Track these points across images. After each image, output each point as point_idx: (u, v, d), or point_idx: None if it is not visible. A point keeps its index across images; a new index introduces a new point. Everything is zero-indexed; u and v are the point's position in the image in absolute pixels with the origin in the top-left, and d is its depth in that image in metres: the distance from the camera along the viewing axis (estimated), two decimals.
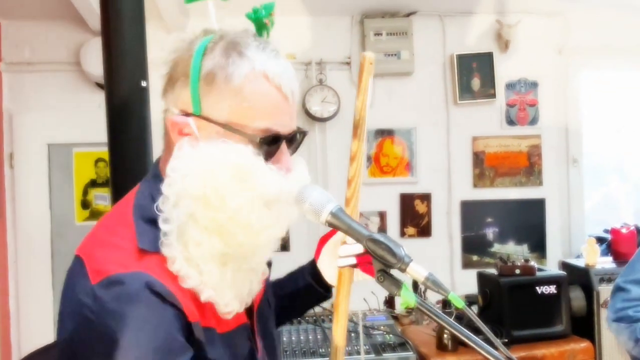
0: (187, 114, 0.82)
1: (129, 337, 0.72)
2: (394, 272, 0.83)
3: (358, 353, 1.97)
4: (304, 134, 0.91)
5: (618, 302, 1.04)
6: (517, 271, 2.14)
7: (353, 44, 2.92)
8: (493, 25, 2.94)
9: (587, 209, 3.11)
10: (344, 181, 0.93)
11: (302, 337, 2.19)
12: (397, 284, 0.82)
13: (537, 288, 2.13)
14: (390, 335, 2.18)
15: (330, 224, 0.83)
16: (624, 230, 2.24)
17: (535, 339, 2.11)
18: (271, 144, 0.82)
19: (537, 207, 2.98)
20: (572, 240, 3.01)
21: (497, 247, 2.97)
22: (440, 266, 2.93)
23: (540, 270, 2.25)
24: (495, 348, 0.78)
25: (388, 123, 2.93)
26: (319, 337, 2.19)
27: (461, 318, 2.06)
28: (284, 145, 0.85)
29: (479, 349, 0.78)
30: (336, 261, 0.92)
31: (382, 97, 2.91)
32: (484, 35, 2.98)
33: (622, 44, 2.97)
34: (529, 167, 2.99)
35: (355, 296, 1.09)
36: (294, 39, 2.85)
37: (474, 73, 2.95)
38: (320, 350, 2.08)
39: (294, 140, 0.89)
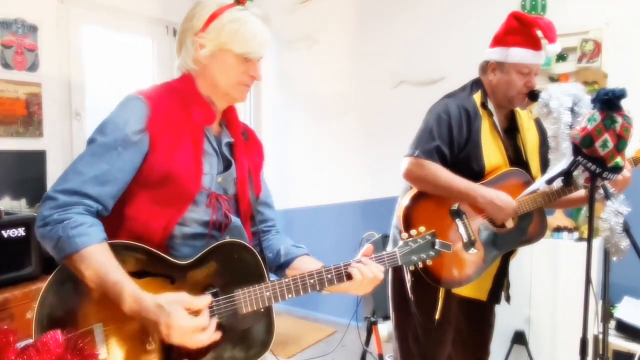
0: None
1: None
2: None
3: None
4: None
5: (45, 210, 1.07)
6: None
7: None
8: None
9: None
10: None
11: None
12: None
13: (3, 232, 2.00)
14: None
15: None
16: None
17: (3, 284, 1.98)
18: None
19: (37, 159, 2.85)
20: None
21: None
22: None
23: (9, 214, 2.13)
24: None
25: None
26: None
27: None
28: None
29: None
30: None
31: None
32: None
33: (122, 6, 3.19)
34: (27, 116, 2.81)
35: None
36: None
37: None
38: None
39: None
